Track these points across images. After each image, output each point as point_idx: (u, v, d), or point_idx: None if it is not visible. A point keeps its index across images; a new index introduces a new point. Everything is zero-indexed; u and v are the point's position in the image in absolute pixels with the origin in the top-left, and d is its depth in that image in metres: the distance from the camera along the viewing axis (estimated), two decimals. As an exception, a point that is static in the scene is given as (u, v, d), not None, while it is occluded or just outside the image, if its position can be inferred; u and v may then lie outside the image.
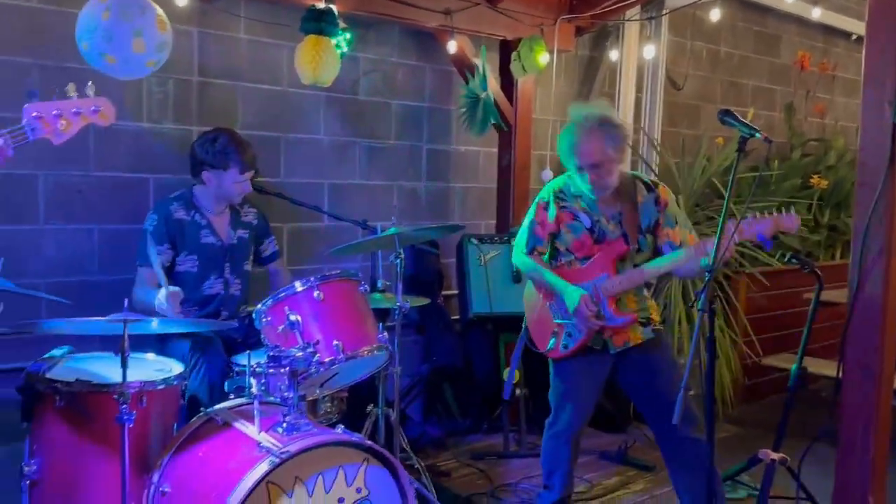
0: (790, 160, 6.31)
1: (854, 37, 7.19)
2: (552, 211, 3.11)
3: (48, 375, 2.62)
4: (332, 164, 4.38)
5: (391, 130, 4.59)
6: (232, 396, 2.86)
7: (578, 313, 2.95)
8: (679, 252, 2.96)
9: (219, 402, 2.86)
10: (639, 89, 5.36)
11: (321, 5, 3.60)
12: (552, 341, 3.13)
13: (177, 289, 3.03)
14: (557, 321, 3.11)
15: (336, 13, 3.62)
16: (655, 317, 3.15)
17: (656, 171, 5.40)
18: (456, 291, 4.61)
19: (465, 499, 3.57)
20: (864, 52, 3.13)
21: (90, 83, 2.08)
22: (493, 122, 4.40)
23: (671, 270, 3.03)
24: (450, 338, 4.54)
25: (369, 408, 3.42)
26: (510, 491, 3.72)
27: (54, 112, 1.98)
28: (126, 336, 2.42)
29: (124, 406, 2.39)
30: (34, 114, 1.98)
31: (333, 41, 3.63)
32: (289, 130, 4.19)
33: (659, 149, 5.43)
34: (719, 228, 2.54)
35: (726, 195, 2.59)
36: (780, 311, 5.27)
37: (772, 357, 4.91)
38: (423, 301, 3.51)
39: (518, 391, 4.17)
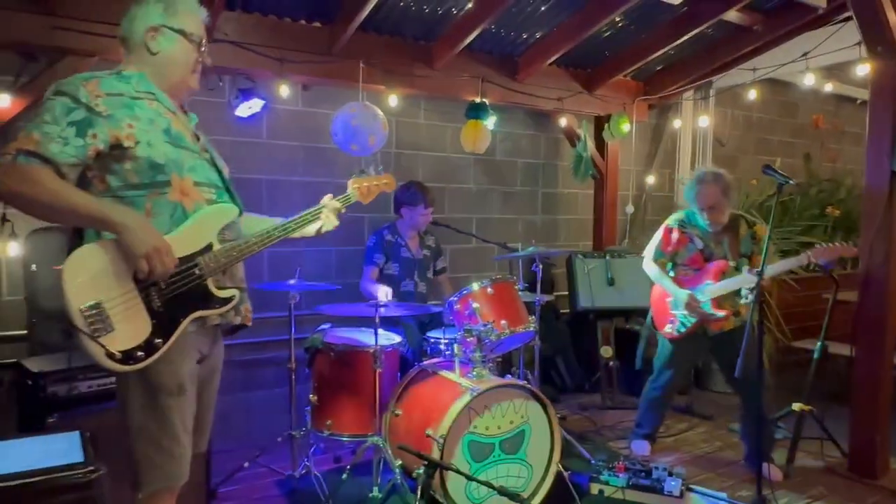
0: (809, 195, 6.28)
1: (858, 101, 7.04)
2: (675, 235, 3.30)
3: (325, 340, 3.07)
4: (478, 205, 4.71)
5: (517, 180, 4.89)
6: (429, 355, 3.28)
7: (687, 306, 3.16)
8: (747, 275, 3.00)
9: (419, 361, 3.27)
10: (693, 146, 5.51)
11: (478, 100, 4.03)
12: (669, 326, 3.32)
13: (388, 289, 3.36)
14: (673, 311, 3.30)
15: (487, 104, 4.05)
16: (743, 312, 3.24)
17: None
18: (565, 292, 4.77)
19: (578, 434, 3.76)
20: (867, 116, 3.27)
21: (381, 167, 2.24)
22: (591, 173, 4.66)
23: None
24: (559, 324, 4.68)
25: (513, 369, 3.74)
26: (610, 430, 3.93)
27: (365, 185, 2.16)
28: (377, 316, 2.89)
29: (377, 359, 2.86)
30: (355, 186, 2.14)
31: (486, 122, 4.02)
32: (450, 182, 4.56)
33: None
34: (766, 244, 2.76)
35: (769, 225, 2.80)
36: (804, 308, 5.29)
37: (798, 341, 4.96)
38: (550, 297, 3.80)
39: (612, 363, 4.42)
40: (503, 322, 2.95)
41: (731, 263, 3.18)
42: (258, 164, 3.81)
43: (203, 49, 1.83)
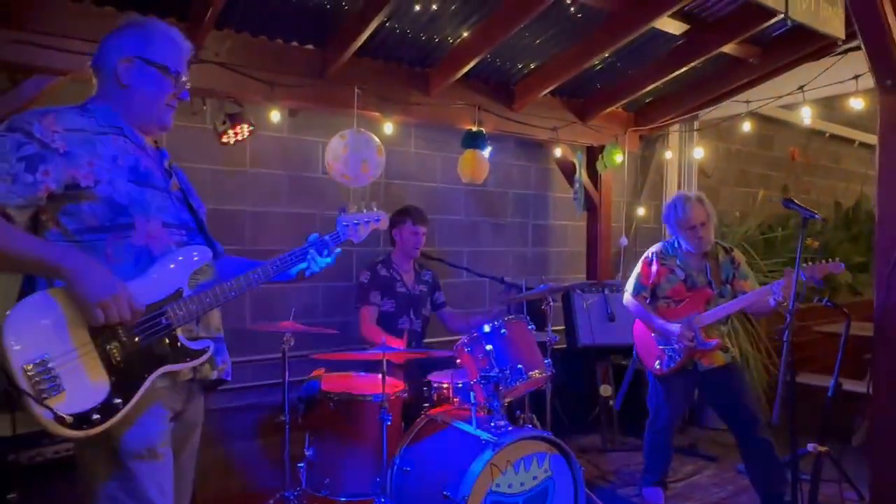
0: (788, 227, 6.34)
1: (827, 134, 7.24)
2: (654, 267, 3.23)
3: (323, 388, 2.79)
4: (469, 237, 4.53)
5: (508, 211, 4.74)
6: (432, 401, 3.03)
7: (681, 339, 3.05)
8: (748, 295, 3.04)
9: (421, 409, 3.01)
10: (679, 177, 5.46)
11: (475, 128, 3.88)
12: (657, 362, 3.21)
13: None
14: (660, 346, 3.20)
15: (484, 133, 3.89)
16: (729, 344, 3.19)
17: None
18: (557, 328, 4.65)
19: (584, 481, 3.58)
20: (877, 150, 3.23)
21: (374, 204, 2.04)
22: (584, 205, 4.56)
23: (744, 308, 3.08)
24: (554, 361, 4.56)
25: (518, 413, 3.51)
26: (614, 475, 3.75)
27: (354, 221, 1.96)
28: (384, 362, 2.64)
29: (384, 410, 2.60)
30: (345, 223, 1.95)
31: (484, 152, 3.86)
32: (440, 213, 4.36)
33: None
34: (795, 277, 2.66)
35: (797, 259, 2.69)
36: (794, 339, 5.24)
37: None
38: (558, 337, 3.59)
39: (611, 402, 4.25)
40: (520, 366, 2.75)
41: (715, 291, 3.13)
42: (241, 195, 3.54)
43: (181, 85, 1.68)
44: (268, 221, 3.64)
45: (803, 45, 3.80)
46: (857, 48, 3.62)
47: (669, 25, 3.62)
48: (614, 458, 4.04)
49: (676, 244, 3.26)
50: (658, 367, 3.22)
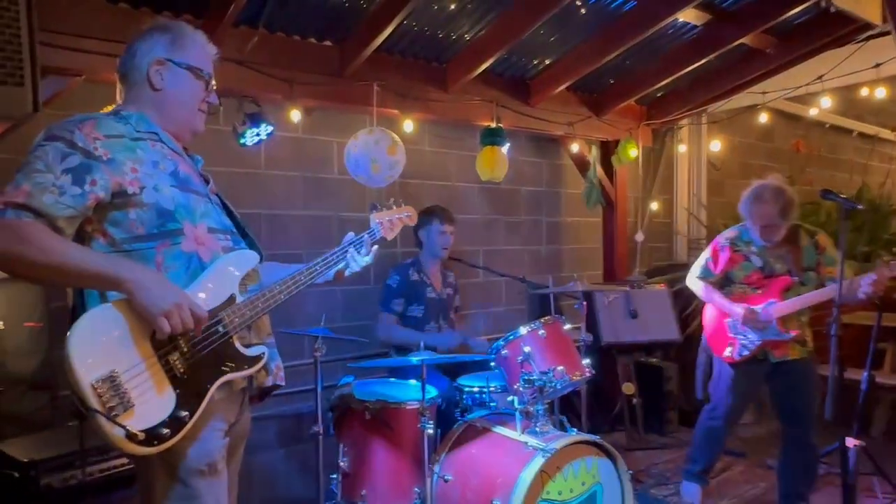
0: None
1: (827, 125, 7.24)
2: (725, 254, 3.06)
3: (358, 397, 2.68)
4: (484, 235, 4.45)
5: (521, 209, 4.67)
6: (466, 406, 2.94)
7: (745, 320, 2.91)
8: (828, 288, 2.81)
9: (453, 414, 2.93)
10: (689, 171, 5.43)
11: (494, 125, 3.79)
12: (728, 349, 3.04)
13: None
14: (732, 335, 3.04)
15: (503, 129, 3.81)
16: (808, 339, 3.02)
17: (705, 224, 5.44)
18: (575, 325, 4.58)
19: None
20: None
21: (400, 200, 2.06)
22: (600, 201, 4.49)
23: (830, 299, 2.73)
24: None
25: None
26: (645, 474, 3.68)
27: (387, 218, 1.98)
28: (424, 369, 2.54)
29: (424, 417, 2.50)
30: (377, 220, 1.96)
31: (503, 148, 3.78)
32: (456, 212, 4.11)
33: (706, 209, 5.51)
34: (841, 267, 2.57)
35: (841, 251, 2.65)
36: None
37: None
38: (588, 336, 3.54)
39: (634, 400, 4.19)
40: (560, 368, 2.65)
41: (796, 279, 2.94)
42: (256, 197, 3.43)
43: (211, 88, 1.69)
44: (284, 224, 3.53)
45: (822, 34, 3.75)
46: (878, 35, 3.61)
47: (690, 15, 3.56)
48: (640, 457, 3.97)
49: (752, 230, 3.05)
50: (729, 353, 3.04)
